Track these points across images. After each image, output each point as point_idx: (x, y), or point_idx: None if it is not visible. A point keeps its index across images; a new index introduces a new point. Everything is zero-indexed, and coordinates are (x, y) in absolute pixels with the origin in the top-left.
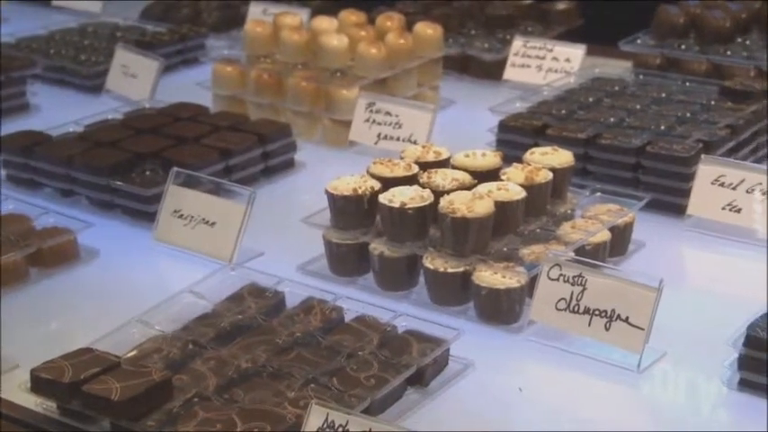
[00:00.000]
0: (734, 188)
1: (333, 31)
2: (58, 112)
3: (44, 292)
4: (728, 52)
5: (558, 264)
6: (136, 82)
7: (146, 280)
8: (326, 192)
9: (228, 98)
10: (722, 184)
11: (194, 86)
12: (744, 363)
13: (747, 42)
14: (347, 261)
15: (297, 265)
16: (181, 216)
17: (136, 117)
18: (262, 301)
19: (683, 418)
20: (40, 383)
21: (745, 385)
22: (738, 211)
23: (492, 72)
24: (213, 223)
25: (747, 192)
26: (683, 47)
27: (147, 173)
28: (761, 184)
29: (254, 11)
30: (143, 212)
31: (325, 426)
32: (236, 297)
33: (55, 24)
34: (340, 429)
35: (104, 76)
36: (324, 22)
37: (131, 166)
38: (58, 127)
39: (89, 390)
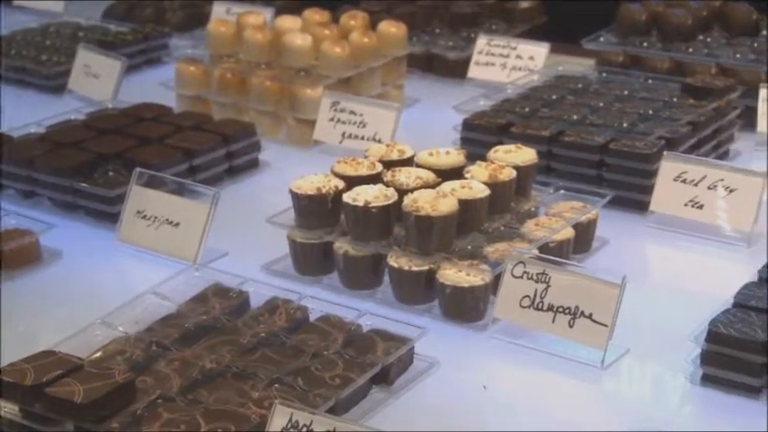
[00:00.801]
0: (696, 184)
1: (297, 31)
2: (19, 112)
3: (6, 295)
4: (690, 50)
5: (522, 261)
6: (98, 82)
7: (109, 281)
8: (290, 191)
9: (192, 98)
10: (684, 181)
11: (158, 86)
12: (706, 358)
13: (709, 40)
14: (312, 260)
15: (261, 264)
16: (144, 217)
17: (98, 117)
18: (226, 302)
19: (646, 414)
20: (1, 386)
21: (707, 380)
22: (700, 207)
23: (456, 70)
24: (177, 224)
25: (709, 188)
26: (645, 45)
27: (110, 173)
28: (722, 180)
29: (217, 10)
30: (106, 213)
31: (289, 426)
32: (200, 297)
33: (16, 24)
34: (304, 429)
35: (66, 77)
36: (287, 22)
37: (94, 167)
38: (20, 128)
39: (52, 392)
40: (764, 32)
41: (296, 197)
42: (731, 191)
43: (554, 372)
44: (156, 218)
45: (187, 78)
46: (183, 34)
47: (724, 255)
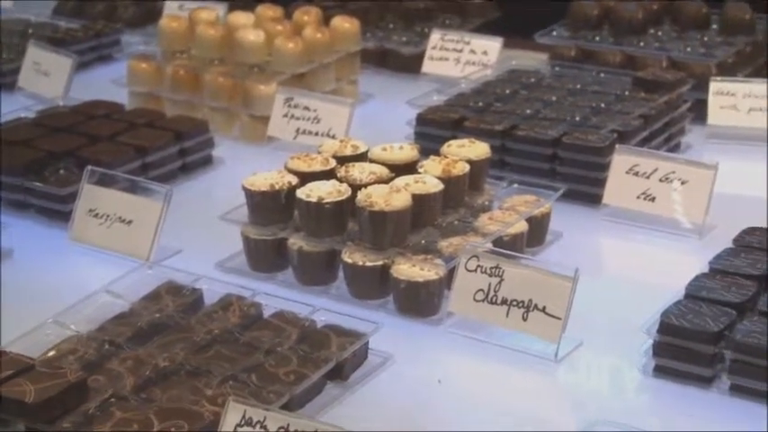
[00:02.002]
0: (648, 177)
1: (249, 26)
2: None
3: None
4: (641, 44)
5: (476, 255)
6: (49, 80)
7: (61, 280)
8: (243, 188)
9: (144, 95)
10: (636, 174)
11: (109, 83)
12: (658, 349)
13: (660, 34)
14: (266, 257)
15: (215, 262)
16: (96, 215)
17: (49, 115)
18: (179, 300)
19: (599, 405)
20: None
21: (660, 371)
22: (653, 199)
23: (410, 65)
24: (129, 221)
25: (661, 180)
26: (597, 39)
27: (62, 172)
28: (674, 172)
29: (169, 6)
30: (58, 212)
31: (242, 422)
32: (153, 296)
33: None
34: (258, 426)
35: (16, 74)
36: (240, 17)
37: (45, 166)
38: None
39: (2, 392)
40: (714, 26)
41: (249, 194)
42: (683, 183)
43: (508, 365)
44: (108, 216)
45: (139, 75)
46: (134, 30)
47: (676, 246)
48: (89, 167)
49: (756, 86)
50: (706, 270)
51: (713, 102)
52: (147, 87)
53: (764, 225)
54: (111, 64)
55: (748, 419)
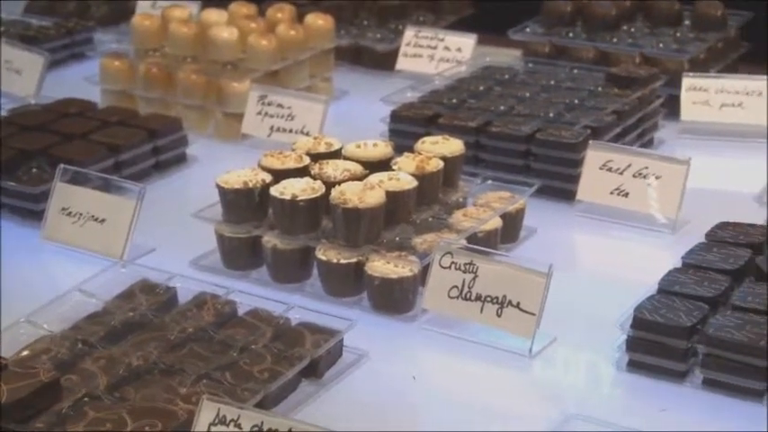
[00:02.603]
0: (621, 173)
1: (223, 24)
2: None
3: None
4: (614, 40)
5: (450, 252)
6: (21, 78)
7: (34, 279)
8: (217, 185)
9: (117, 93)
10: (610, 169)
11: (82, 82)
12: (632, 344)
13: (632, 30)
14: (240, 255)
15: (189, 260)
16: (69, 214)
17: (21, 114)
18: (153, 298)
19: (574, 401)
20: None
21: (633, 366)
22: (626, 195)
23: (384, 62)
24: (103, 220)
25: (634, 176)
26: (570, 35)
27: (34, 170)
28: (647, 167)
29: (142, 4)
30: (30, 211)
31: (216, 421)
32: (126, 294)
33: None
34: (232, 424)
35: None
36: (213, 15)
37: (17, 164)
38: None
39: None
40: (686, 23)
41: (222, 191)
42: (656, 178)
43: (483, 361)
44: (81, 215)
45: (112, 73)
46: (107, 28)
47: (649, 241)
48: (62, 166)
49: (728, 82)
50: (679, 265)
51: (686, 97)
52: (119, 85)
53: (736, 220)
54: (83, 62)
55: (721, 413)
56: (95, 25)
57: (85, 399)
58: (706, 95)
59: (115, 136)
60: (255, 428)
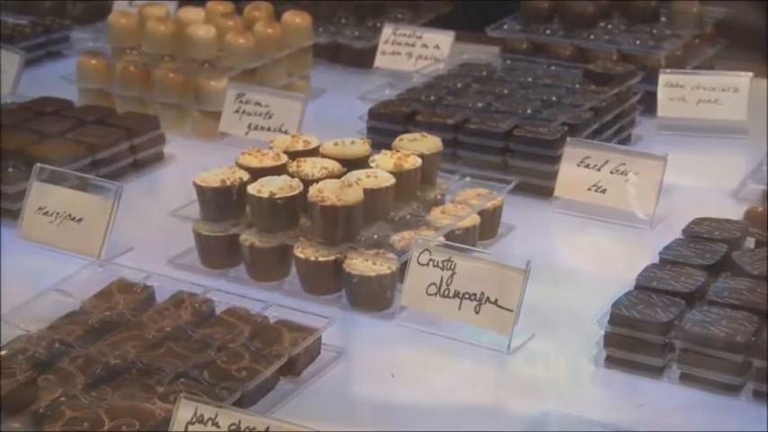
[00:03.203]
0: (598, 169)
1: (200, 22)
2: None
3: None
4: (592, 37)
5: (428, 249)
6: None
7: (10, 279)
8: (194, 184)
9: (94, 91)
10: (587, 166)
11: (59, 80)
12: (609, 340)
13: (610, 27)
14: (218, 253)
15: (167, 259)
16: (46, 213)
17: None
18: (130, 297)
19: (552, 396)
20: None
21: (611, 362)
22: (603, 191)
23: (363, 60)
24: (80, 219)
25: (611, 172)
26: (548, 32)
27: (10, 169)
28: (624, 164)
29: (119, 3)
30: (6, 210)
31: (194, 420)
32: (104, 293)
33: None
34: (209, 423)
35: None
36: (191, 13)
37: None
38: None
39: None
40: (663, 19)
41: (200, 190)
42: (633, 174)
43: (461, 358)
44: (58, 214)
45: (89, 72)
46: (84, 27)
47: (627, 237)
48: (38, 165)
49: (705, 78)
50: (656, 260)
51: (662, 94)
52: (96, 84)
53: (713, 215)
54: (60, 61)
55: (698, 408)
56: (72, 23)
57: (62, 398)
58: (683, 92)
59: (92, 135)
60: (233, 427)
